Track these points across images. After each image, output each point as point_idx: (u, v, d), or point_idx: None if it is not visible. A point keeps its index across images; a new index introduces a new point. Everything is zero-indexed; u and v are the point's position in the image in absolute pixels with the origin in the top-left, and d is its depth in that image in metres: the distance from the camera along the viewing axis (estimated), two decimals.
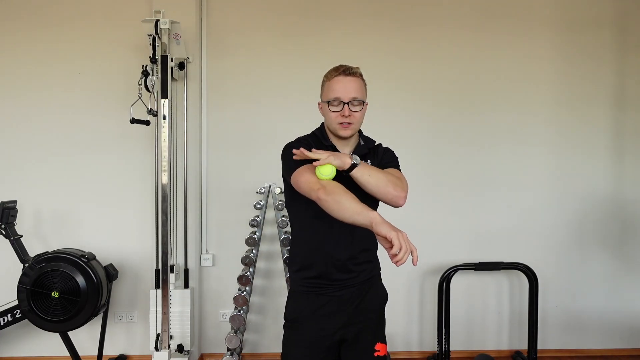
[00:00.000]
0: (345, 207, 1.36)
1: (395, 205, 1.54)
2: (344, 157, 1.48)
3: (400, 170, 1.69)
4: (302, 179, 1.50)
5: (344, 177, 1.48)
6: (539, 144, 3.34)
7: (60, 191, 3.17)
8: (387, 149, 1.76)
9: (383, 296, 1.74)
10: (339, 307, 1.62)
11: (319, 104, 1.68)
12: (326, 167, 1.45)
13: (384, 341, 1.69)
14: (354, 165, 1.47)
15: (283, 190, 1.78)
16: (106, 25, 3.16)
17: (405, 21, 3.28)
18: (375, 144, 1.74)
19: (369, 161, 1.66)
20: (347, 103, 1.56)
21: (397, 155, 1.75)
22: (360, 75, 1.62)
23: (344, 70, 1.58)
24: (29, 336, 3.15)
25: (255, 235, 2.93)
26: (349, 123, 1.57)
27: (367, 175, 1.48)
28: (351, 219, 1.35)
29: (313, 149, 1.50)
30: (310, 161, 1.51)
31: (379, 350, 1.65)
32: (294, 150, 1.53)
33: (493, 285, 3.36)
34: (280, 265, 3.17)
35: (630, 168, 3.37)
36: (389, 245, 1.28)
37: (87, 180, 3.18)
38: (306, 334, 1.63)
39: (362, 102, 1.59)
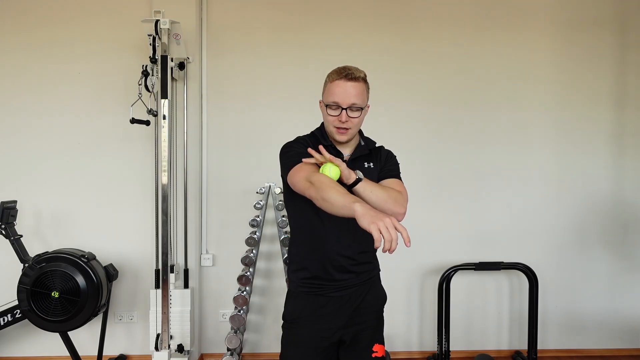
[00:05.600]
0: (332, 202, 1.35)
1: None
2: (351, 173, 1.50)
3: (400, 178, 1.68)
4: (296, 178, 1.52)
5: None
6: (539, 144, 3.33)
7: (60, 191, 3.17)
8: (390, 153, 1.75)
9: (382, 297, 1.74)
10: (337, 308, 1.62)
11: (320, 102, 1.67)
12: (335, 168, 1.48)
13: (382, 342, 1.69)
14: (357, 181, 1.49)
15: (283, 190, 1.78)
16: (106, 25, 3.15)
17: (405, 20, 3.27)
18: (377, 145, 1.73)
19: (371, 164, 1.65)
20: (346, 109, 1.54)
21: (398, 162, 1.74)
22: (364, 79, 1.58)
23: (346, 75, 1.54)
24: (29, 336, 3.15)
25: (255, 235, 2.93)
26: (346, 129, 1.58)
27: (368, 191, 1.49)
28: (340, 214, 1.34)
29: (331, 157, 1.50)
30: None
31: (376, 352, 1.65)
32: (310, 150, 1.53)
33: (493, 285, 3.36)
34: (280, 265, 3.17)
35: (630, 168, 3.37)
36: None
37: (87, 180, 3.17)
38: (304, 334, 1.62)
39: (361, 109, 1.57)
